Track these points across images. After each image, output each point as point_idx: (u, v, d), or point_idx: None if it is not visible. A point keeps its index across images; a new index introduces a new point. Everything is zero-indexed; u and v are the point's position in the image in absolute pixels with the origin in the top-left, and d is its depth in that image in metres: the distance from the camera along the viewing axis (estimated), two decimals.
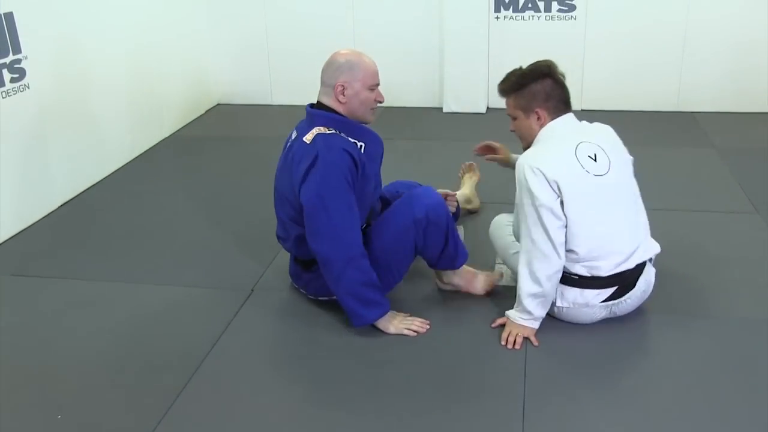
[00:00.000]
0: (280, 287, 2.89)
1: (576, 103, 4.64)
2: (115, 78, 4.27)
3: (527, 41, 5.03)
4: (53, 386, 2.37)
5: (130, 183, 4.13)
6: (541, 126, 2.53)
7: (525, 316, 2.50)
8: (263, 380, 2.38)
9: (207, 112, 5.44)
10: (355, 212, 2.47)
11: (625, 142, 2.69)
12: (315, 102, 2.60)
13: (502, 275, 2.83)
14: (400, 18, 5.18)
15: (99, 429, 2.17)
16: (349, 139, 2.52)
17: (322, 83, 2.57)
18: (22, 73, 3.47)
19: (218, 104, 5.59)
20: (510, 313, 2.54)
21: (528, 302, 2.47)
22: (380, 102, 2.59)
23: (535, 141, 2.55)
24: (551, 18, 5.00)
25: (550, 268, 2.42)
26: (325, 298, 2.69)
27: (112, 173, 4.23)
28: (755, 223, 3.34)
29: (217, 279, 3.00)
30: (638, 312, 2.62)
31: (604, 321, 2.57)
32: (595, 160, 2.47)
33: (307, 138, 2.49)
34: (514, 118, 2.59)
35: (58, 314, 2.78)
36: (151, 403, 2.25)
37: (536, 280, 2.43)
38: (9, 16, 3.37)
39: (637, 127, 4.75)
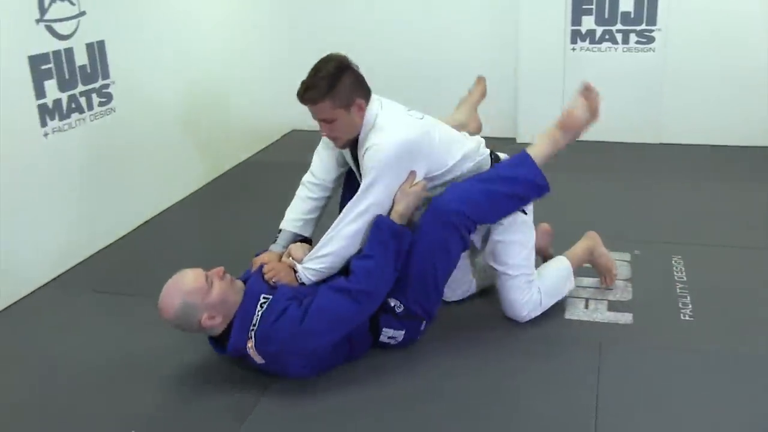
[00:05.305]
0: None
1: (654, 136, 4.52)
2: (193, 103, 4.40)
3: (603, 73, 4.96)
4: (129, 398, 2.44)
5: (204, 206, 4.24)
6: (362, 115, 2.51)
7: (311, 274, 2.51)
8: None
9: (282, 137, 5.55)
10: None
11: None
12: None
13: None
14: (477, 48, 5.20)
15: None
16: None
17: None
18: (109, 97, 3.63)
19: (293, 130, 5.68)
20: (303, 263, 2.53)
21: (332, 264, 2.50)
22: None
23: (371, 129, 2.50)
24: (629, 50, 4.93)
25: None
26: None
27: (187, 196, 4.34)
28: None
29: None
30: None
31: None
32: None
33: None
34: (332, 121, 2.49)
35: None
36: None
37: (352, 254, 2.48)
38: (101, 44, 3.54)
39: (719, 162, 4.64)
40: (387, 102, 2.62)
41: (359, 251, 2.49)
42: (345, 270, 2.51)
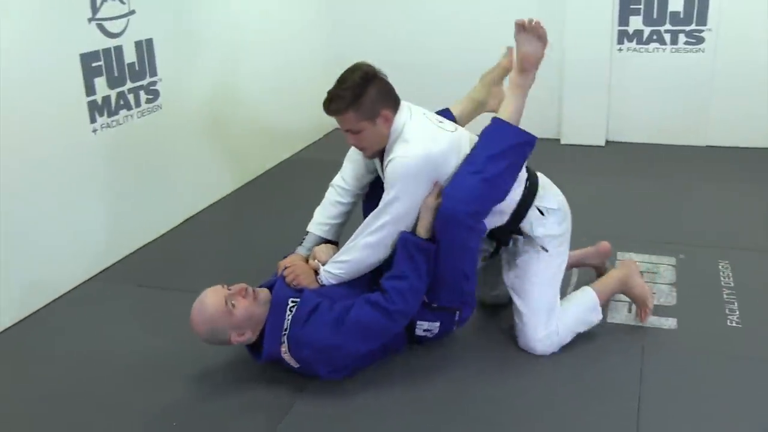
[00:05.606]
0: None
1: (701, 139, 4.42)
2: (236, 101, 4.45)
3: (650, 74, 4.89)
4: (166, 393, 2.48)
5: (245, 204, 4.29)
6: (389, 125, 2.44)
7: (330, 277, 2.50)
8: None
9: (324, 136, 5.57)
10: None
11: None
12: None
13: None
14: None
15: None
16: None
17: None
18: (156, 94, 3.69)
19: (335, 128, 5.69)
20: (325, 266, 2.53)
21: (350, 271, 2.49)
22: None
23: (397, 139, 2.42)
24: (677, 50, 4.84)
25: None
26: None
27: (229, 194, 4.39)
28: None
29: None
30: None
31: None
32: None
33: None
34: (358, 132, 2.43)
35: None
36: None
37: (371, 264, 2.48)
38: (149, 42, 3.60)
39: None
40: (417, 111, 2.53)
41: (390, 270, 2.43)
42: (375, 272, 2.52)
